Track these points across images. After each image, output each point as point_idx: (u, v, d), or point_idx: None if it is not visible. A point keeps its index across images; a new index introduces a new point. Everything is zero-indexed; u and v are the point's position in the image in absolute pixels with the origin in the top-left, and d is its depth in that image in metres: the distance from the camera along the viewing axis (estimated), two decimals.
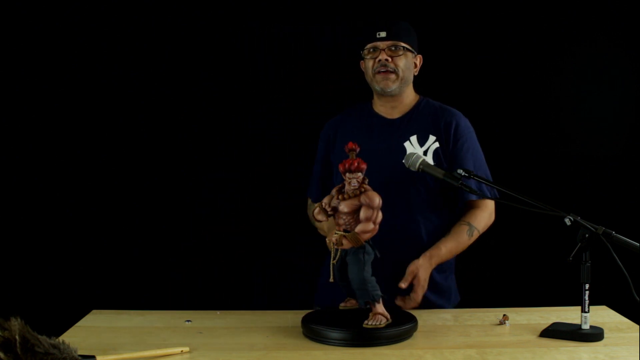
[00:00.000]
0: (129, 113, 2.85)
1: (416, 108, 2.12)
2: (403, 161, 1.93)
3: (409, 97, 2.13)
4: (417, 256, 2.01)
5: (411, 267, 1.91)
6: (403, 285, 1.89)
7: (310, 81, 2.85)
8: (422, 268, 1.92)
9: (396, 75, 2.05)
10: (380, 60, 2.03)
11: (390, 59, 2.03)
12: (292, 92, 2.87)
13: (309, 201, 2.27)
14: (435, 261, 1.97)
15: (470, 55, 2.86)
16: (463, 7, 2.85)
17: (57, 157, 2.83)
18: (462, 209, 2.09)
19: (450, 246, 2.00)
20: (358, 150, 1.63)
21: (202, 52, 2.87)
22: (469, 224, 2.03)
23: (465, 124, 2.13)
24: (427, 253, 1.96)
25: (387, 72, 2.04)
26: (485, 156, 2.14)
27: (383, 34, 2.04)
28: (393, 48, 2.04)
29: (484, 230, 2.08)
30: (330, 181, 2.15)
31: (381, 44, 2.04)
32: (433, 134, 2.07)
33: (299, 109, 2.80)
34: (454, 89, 2.80)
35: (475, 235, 2.05)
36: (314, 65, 2.85)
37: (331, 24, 2.84)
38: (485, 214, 2.07)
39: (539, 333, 1.66)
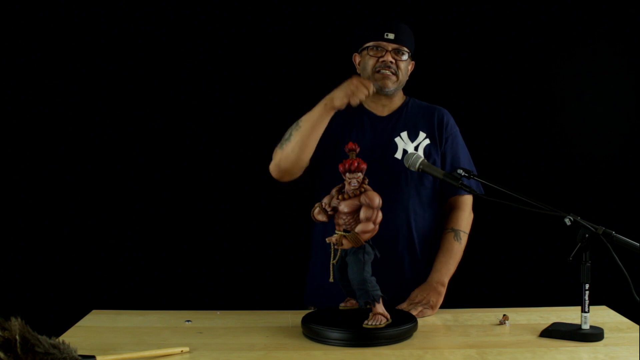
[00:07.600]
0: (128, 113, 2.85)
1: (405, 106, 2.15)
2: (402, 160, 1.93)
3: (399, 97, 2.16)
4: (408, 253, 2.02)
5: (419, 297, 1.94)
6: (404, 306, 1.92)
7: (309, 80, 2.85)
8: (432, 293, 1.94)
9: (396, 77, 2.05)
10: (384, 61, 2.04)
11: (394, 62, 2.04)
12: (293, 90, 2.87)
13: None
14: (443, 283, 1.98)
15: (471, 56, 2.86)
16: (464, 8, 2.85)
17: (57, 157, 2.83)
18: (444, 209, 2.12)
19: (444, 261, 2.01)
20: (358, 150, 1.64)
21: (199, 54, 2.86)
22: (453, 229, 2.06)
23: (454, 121, 2.17)
24: (432, 281, 1.98)
25: (389, 73, 2.04)
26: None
27: (391, 36, 2.03)
28: (398, 51, 2.05)
29: (469, 228, 2.10)
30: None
31: (387, 45, 2.05)
32: (424, 131, 2.09)
33: (298, 109, 2.80)
34: (455, 89, 2.80)
35: (464, 238, 2.07)
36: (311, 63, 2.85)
37: (327, 20, 2.83)
38: (465, 214, 2.10)
39: (539, 333, 1.66)
